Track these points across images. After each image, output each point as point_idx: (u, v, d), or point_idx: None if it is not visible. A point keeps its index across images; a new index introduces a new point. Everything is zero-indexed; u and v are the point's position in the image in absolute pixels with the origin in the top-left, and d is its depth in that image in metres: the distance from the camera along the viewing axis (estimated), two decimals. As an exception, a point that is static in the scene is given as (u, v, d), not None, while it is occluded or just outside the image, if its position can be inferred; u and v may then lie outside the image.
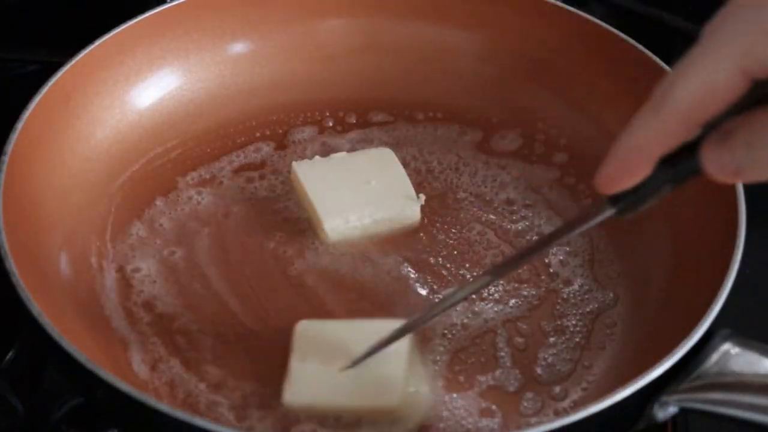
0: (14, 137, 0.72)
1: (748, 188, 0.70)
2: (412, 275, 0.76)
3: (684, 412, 0.64)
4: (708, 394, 0.62)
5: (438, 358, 0.71)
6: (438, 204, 0.80)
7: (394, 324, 0.67)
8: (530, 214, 0.80)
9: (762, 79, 0.48)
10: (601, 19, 0.83)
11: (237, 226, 0.79)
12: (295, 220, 0.79)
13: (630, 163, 0.52)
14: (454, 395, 0.69)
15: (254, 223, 0.79)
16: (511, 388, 0.69)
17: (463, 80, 0.87)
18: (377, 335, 0.66)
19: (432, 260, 0.77)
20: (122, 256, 0.76)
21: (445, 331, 0.72)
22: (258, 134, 0.85)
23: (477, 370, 0.70)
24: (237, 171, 0.83)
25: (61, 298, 0.70)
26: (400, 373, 0.67)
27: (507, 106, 0.86)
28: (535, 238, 0.78)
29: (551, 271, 0.76)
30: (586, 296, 0.75)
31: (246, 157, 0.84)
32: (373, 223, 0.77)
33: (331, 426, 0.66)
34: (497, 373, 0.70)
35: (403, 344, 0.68)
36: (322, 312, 0.73)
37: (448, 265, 0.76)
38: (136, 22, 0.82)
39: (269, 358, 0.70)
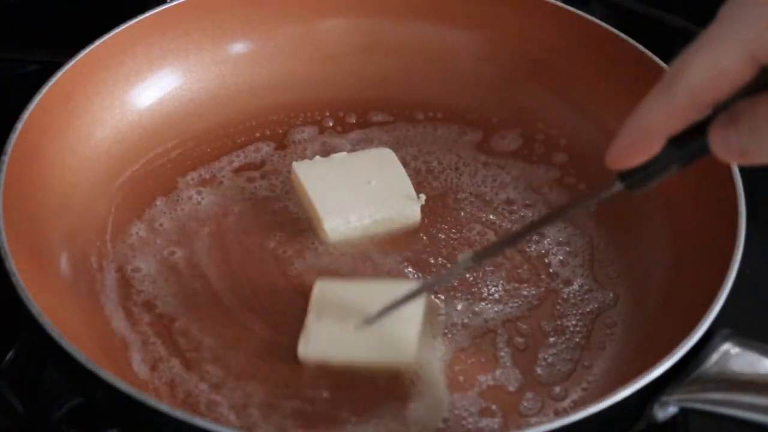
0: (14, 137, 0.72)
1: (748, 188, 0.70)
2: (413, 275, 0.76)
3: (684, 412, 0.64)
4: (708, 394, 0.62)
5: (438, 358, 0.71)
6: (438, 204, 0.80)
7: (410, 285, 0.69)
8: (530, 214, 0.80)
9: None
10: (601, 19, 0.83)
11: (237, 226, 0.79)
12: (295, 220, 0.79)
13: (639, 142, 0.53)
14: (455, 395, 0.69)
15: (254, 223, 0.79)
16: (511, 388, 0.69)
17: (463, 80, 0.87)
18: (393, 295, 0.68)
19: (432, 260, 0.77)
20: (122, 256, 0.76)
21: (445, 331, 0.72)
22: (258, 134, 0.85)
23: (477, 370, 0.70)
24: (237, 171, 0.83)
25: (61, 298, 0.70)
26: (414, 333, 0.69)
27: (507, 106, 0.86)
28: (535, 238, 0.78)
29: (551, 271, 0.76)
30: (586, 296, 0.75)
31: (246, 157, 0.84)
32: (373, 223, 0.77)
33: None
34: (497, 373, 0.70)
35: (419, 305, 0.70)
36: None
37: (449, 265, 0.76)
38: (136, 22, 0.82)
39: (270, 358, 0.70)
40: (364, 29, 0.88)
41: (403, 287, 0.68)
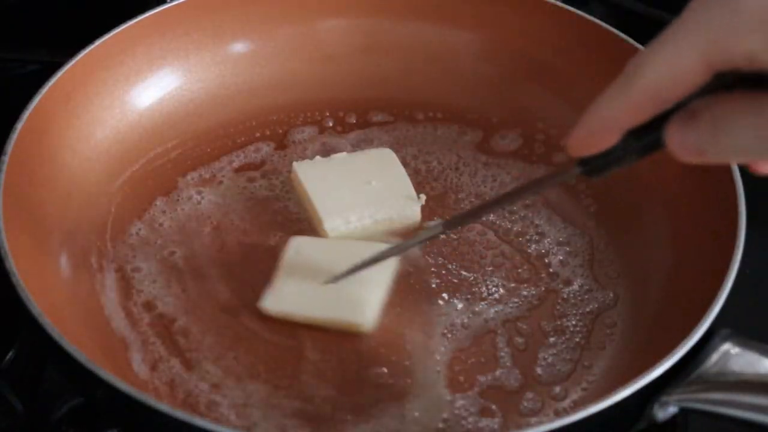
0: (14, 137, 0.72)
1: (748, 188, 0.70)
2: (413, 275, 0.76)
3: (684, 412, 0.64)
4: (708, 394, 0.62)
5: (438, 358, 0.71)
6: (438, 204, 0.80)
7: (384, 247, 0.71)
8: (530, 214, 0.80)
9: (724, 71, 0.49)
10: (601, 19, 0.84)
11: (237, 226, 0.79)
12: (295, 220, 0.79)
13: (597, 132, 0.54)
14: (454, 395, 0.69)
15: (254, 223, 0.79)
16: (511, 388, 0.69)
17: (463, 80, 0.87)
18: (365, 256, 0.70)
19: (432, 260, 0.77)
20: (122, 256, 0.76)
21: (445, 331, 0.72)
22: (258, 134, 0.85)
23: (477, 370, 0.70)
24: (237, 171, 0.83)
25: (61, 298, 0.70)
26: (378, 296, 0.72)
27: (507, 106, 0.86)
28: (535, 238, 0.78)
29: (551, 271, 0.76)
30: (586, 296, 0.75)
31: (246, 157, 0.84)
32: (373, 223, 0.77)
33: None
34: (497, 373, 0.70)
35: (388, 271, 0.73)
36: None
37: (449, 265, 0.76)
38: (136, 22, 0.82)
39: (270, 358, 0.70)
40: (364, 29, 0.88)
41: (376, 249, 0.70)
